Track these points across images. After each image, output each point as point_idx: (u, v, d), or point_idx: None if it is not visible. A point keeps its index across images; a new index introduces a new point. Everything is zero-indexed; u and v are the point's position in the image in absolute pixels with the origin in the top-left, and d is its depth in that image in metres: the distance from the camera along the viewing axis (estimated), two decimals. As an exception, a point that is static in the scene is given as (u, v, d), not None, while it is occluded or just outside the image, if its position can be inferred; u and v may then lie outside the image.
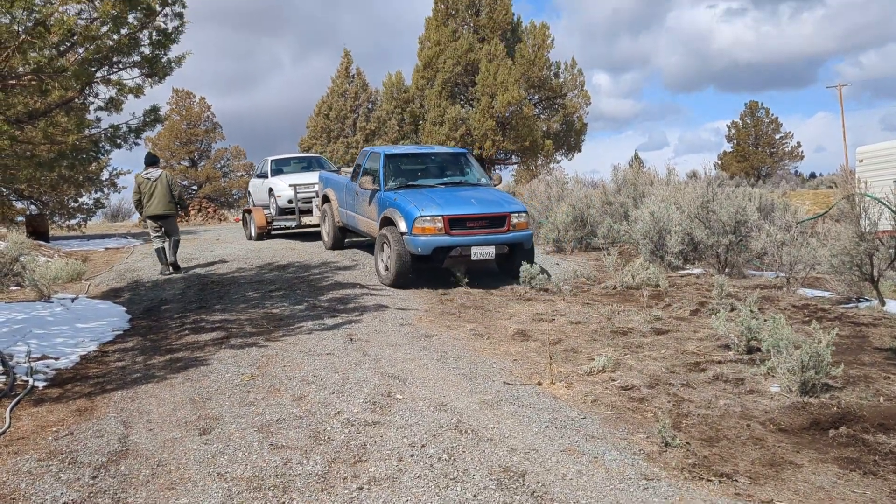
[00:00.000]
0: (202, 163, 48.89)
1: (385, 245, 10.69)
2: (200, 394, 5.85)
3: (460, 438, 4.68)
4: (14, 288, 12.08)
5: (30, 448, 4.82)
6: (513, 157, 35.70)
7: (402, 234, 10.34)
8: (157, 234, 12.32)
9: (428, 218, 10.20)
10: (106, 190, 22.84)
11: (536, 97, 34.68)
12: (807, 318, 7.80)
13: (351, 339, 7.38)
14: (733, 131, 65.14)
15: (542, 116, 34.97)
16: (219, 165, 48.92)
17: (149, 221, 12.27)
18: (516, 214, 10.64)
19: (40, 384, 6.43)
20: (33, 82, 6.41)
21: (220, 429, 5.01)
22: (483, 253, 10.34)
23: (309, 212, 15.70)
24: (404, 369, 6.30)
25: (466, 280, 10.69)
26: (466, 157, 12.74)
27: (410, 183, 11.53)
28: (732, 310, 8.05)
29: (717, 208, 10.48)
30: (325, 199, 14.12)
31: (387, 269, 10.73)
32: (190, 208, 36.09)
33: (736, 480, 4.15)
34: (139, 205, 12.12)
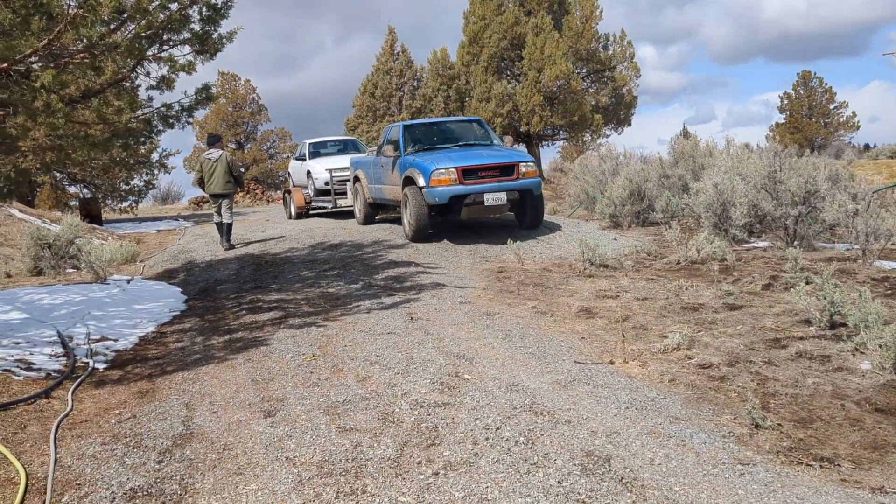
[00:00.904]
0: (248, 145, 49.20)
1: (407, 203, 11.67)
2: (262, 375, 5.71)
3: (536, 420, 4.45)
4: (70, 270, 12.16)
5: (93, 431, 4.71)
6: (560, 132, 35.13)
7: (421, 188, 11.26)
8: (217, 210, 12.93)
9: (443, 170, 11.10)
10: (156, 171, 23.03)
11: (584, 70, 34.02)
12: (889, 291, 7.39)
13: (411, 318, 7.18)
14: (786, 102, 63.33)
15: (590, 90, 34.32)
16: (265, 147, 49.19)
17: (210, 198, 12.94)
18: (524, 164, 11.51)
19: (100, 366, 6.36)
20: (86, 60, 6.28)
21: (286, 411, 4.85)
22: (495, 199, 11.21)
23: (344, 193, 16.48)
24: (469, 348, 6.08)
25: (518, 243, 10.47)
26: (480, 123, 13.78)
27: (427, 147, 12.49)
28: (808, 283, 7.66)
29: (784, 178, 10.03)
30: (356, 180, 14.92)
31: (409, 223, 11.70)
32: (238, 192, 36.33)
33: (838, 465, 3.85)
34: (201, 183, 12.70)
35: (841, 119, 60.91)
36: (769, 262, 9.52)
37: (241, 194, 37.85)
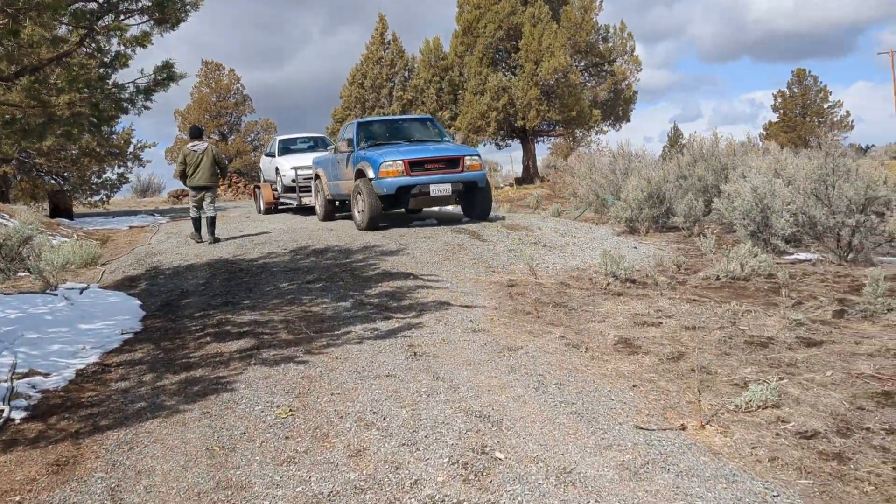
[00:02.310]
0: (232, 136, 47.59)
1: (358, 194, 12.25)
2: (222, 439, 4.31)
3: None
4: (23, 274, 10.65)
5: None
6: (557, 127, 33.79)
7: (371, 179, 11.85)
8: (196, 204, 12.64)
9: (390, 162, 11.74)
10: (130, 164, 21.51)
11: (583, 63, 32.69)
12: None
13: (415, 354, 5.79)
14: (779, 100, 62.26)
15: (588, 84, 32.98)
16: (249, 139, 47.58)
17: (190, 191, 12.64)
18: (469, 157, 12.14)
19: (18, 415, 4.95)
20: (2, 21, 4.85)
21: (248, 509, 3.46)
22: (440, 189, 11.80)
23: (309, 190, 16.58)
24: (494, 403, 4.69)
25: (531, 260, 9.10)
26: (432, 121, 14.48)
27: (379, 143, 13.09)
28: (891, 311, 6.35)
29: (840, 183, 8.71)
30: (317, 177, 15.14)
31: (360, 212, 12.25)
32: (222, 182, 34.79)
33: None
34: (183, 176, 12.38)
35: (835, 118, 59.99)
36: (825, 279, 8.20)
37: (223, 187, 36.31)
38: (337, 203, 14.71)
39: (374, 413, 4.55)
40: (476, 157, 12.19)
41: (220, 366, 5.76)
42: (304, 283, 8.84)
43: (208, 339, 6.59)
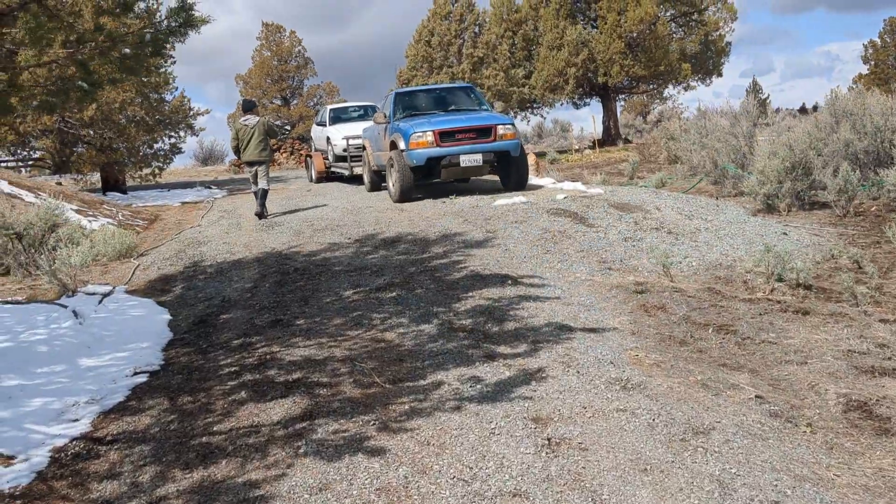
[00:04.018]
0: (294, 101, 45.98)
1: (391, 166, 11.96)
2: None
3: None
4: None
5: None
6: (640, 84, 31.06)
7: (402, 150, 11.52)
8: (253, 179, 12.21)
9: (420, 133, 11.39)
10: (183, 133, 19.90)
11: (670, 13, 29.79)
12: None
13: (548, 442, 3.75)
14: (871, 51, 57.56)
15: (675, 35, 30.09)
16: (311, 103, 45.82)
17: (245, 166, 12.44)
18: (502, 126, 11.63)
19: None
20: None
21: None
22: (471, 160, 11.40)
23: (360, 159, 16.10)
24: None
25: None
26: (471, 89, 14.22)
27: (415, 113, 12.79)
28: None
29: None
30: (364, 148, 14.92)
31: (394, 185, 11.90)
32: (281, 151, 33.22)
33: None
34: (237, 150, 12.17)
35: (935, 70, 55.26)
36: None
37: (284, 155, 34.77)
38: (383, 173, 13.97)
39: None
40: (509, 126, 11.76)
41: (255, 454, 3.83)
42: (374, 291, 6.90)
43: (244, 393, 4.68)
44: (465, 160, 11.39)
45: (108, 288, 8.02)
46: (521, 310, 6.13)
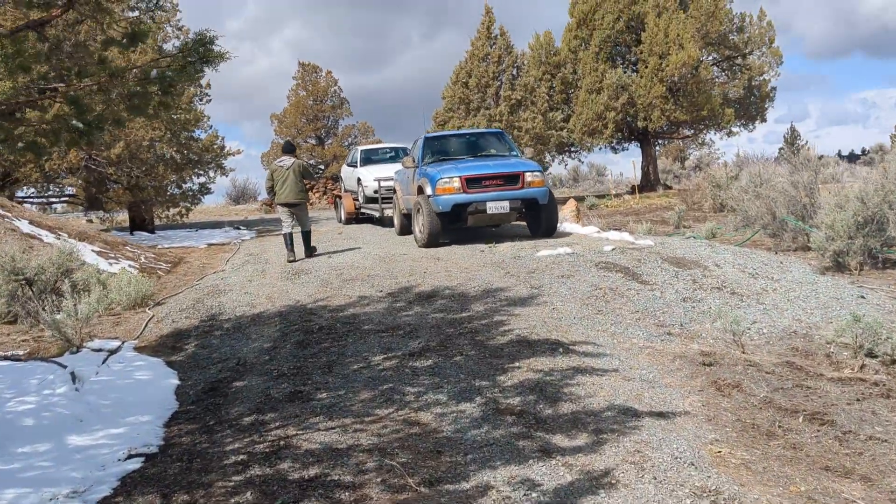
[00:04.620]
0: (329, 140, 45.75)
1: (419, 211, 11.74)
2: None
3: None
4: (59, 316, 8.41)
5: None
6: (680, 129, 30.26)
7: (428, 196, 11.36)
8: (287, 220, 11.97)
9: (447, 179, 11.23)
10: (213, 174, 19.46)
11: (712, 57, 29.06)
12: None
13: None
14: (919, 97, 56.18)
15: (717, 80, 29.32)
16: (346, 143, 45.54)
17: (279, 208, 12.10)
18: (531, 173, 11.40)
19: None
20: None
21: None
22: (498, 207, 11.18)
23: (391, 201, 15.81)
24: None
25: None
26: (502, 135, 13.98)
27: (444, 158, 12.65)
28: None
29: None
30: (394, 191, 14.78)
31: (421, 231, 11.69)
32: (314, 191, 32.85)
33: None
34: (271, 191, 11.93)
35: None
36: None
37: (316, 194, 34.38)
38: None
39: None
40: (538, 174, 11.53)
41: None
42: (407, 358, 6.12)
43: (249, 495, 3.88)
44: (492, 207, 11.18)
45: (116, 344, 7.34)
46: (577, 386, 5.31)
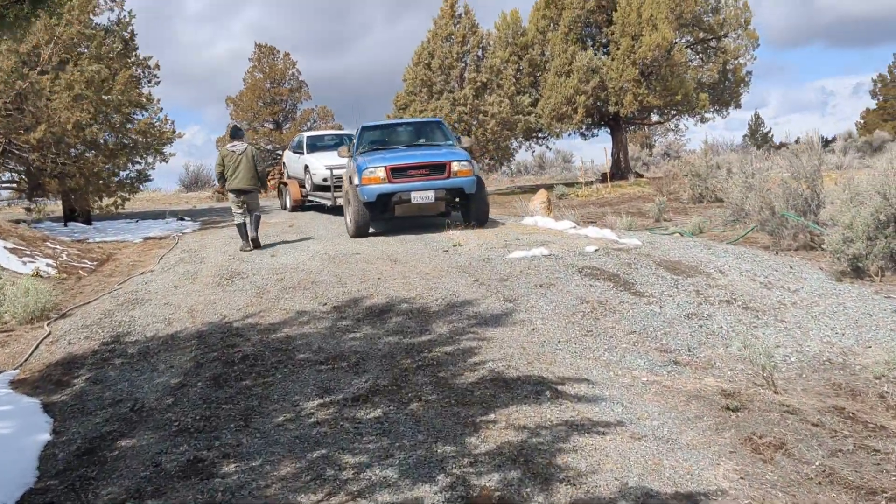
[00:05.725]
0: (287, 125, 43.95)
1: (348, 202, 11.82)
2: None
3: None
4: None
5: None
6: (651, 114, 29.11)
7: (356, 185, 11.29)
8: (239, 209, 11.43)
9: (372, 169, 11.14)
10: (152, 159, 17.75)
11: (687, 39, 27.90)
12: None
13: None
14: (879, 86, 55.93)
15: (692, 63, 28.18)
16: (305, 128, 43.80)
17: (230, 195, 11.59)
18: (458, 162, 11.29)
19: None
20: None
21: None
22: (422, 197, 11.04)
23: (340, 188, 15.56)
24: None
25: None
26: (439, 124, 13.85)
27: (379, 147, 12.57)
28: None
29: None
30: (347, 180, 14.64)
31: (350, 221, 11.63)
32: (269, 178, 31.18)
33: None
34: (221, 178, 11.49)
35: (945, 107, 53.64)
36: None
37: (272, 182, 32.69)
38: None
39: None
40: (465, 163, 11.39)
41: None
42: (349, 405, 4.71)
43: None
44: (417, 197, 11.08)
45: (-9, 375, 5.84)
46: (574, 453, 3.96)
